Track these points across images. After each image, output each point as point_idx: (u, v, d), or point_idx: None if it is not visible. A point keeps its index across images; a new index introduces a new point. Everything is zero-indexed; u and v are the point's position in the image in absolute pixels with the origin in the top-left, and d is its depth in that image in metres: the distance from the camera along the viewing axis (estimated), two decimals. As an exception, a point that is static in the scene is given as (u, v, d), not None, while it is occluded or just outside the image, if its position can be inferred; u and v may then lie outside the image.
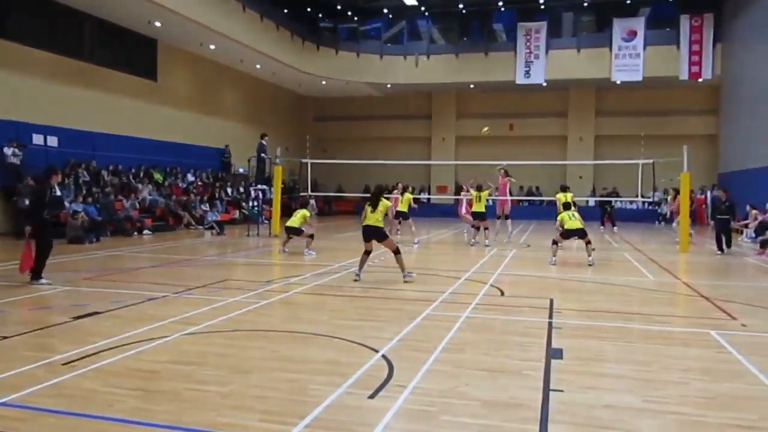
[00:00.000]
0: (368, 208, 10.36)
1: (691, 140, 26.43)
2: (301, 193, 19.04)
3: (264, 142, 19.72)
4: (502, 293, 9.12)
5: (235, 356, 5.63)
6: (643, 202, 29.23)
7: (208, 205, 23.42)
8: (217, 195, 25.20)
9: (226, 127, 28.87)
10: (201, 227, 21.14)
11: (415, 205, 18.46)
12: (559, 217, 13.39)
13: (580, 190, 28.83)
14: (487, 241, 16.97)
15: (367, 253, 10.49)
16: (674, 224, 18.74)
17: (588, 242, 12.98)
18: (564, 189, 17.20)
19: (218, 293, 8.69)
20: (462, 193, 19.03)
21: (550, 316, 7.46)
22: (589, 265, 12.45)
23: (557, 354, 5.81)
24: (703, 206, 28.09)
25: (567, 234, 13.03)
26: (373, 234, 10.30)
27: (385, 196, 10.61)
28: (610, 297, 9.13)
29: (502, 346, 6.11)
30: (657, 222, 29.05)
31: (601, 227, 24.01)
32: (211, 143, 27.68)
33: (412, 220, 18.14)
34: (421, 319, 7.15)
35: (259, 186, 20.61)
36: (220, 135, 28.30)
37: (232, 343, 6.10)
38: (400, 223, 18.67)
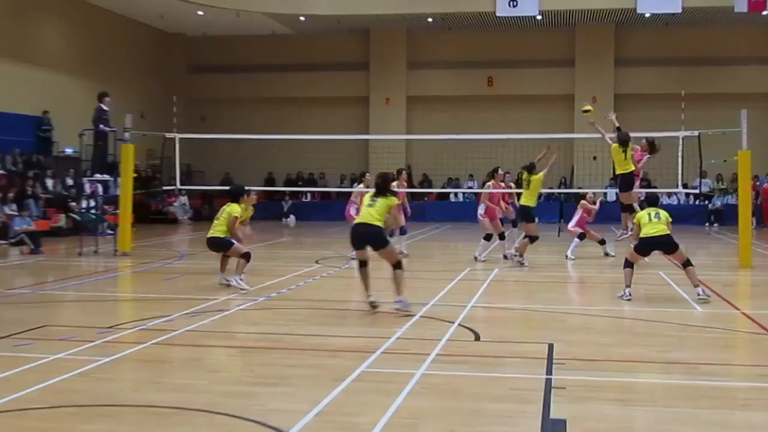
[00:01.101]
0: (366, 200, 10.84)
1: (753, 101, 27.26)
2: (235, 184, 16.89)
3: (104, 106, 19.32)
4: (477, 337, 9.20)
5: (57, 447, 5.49)
6: (687, 195, 30.10)
7: (15, 206, 22.80)
8: (29, 190, 24.56)
9: (44, 83, 28.20)
10: (3, 242, 20.72)
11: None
12: (636, 217, 12.83)
13: (595, 177, 29.45)
14: (511, 251, 17.22)
15: (363, 264, 10.75)
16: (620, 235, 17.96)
17: (686, 263, 12.06)
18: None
19: (31, 348, 8.47)
20: (491, 184, 18.29)
21: (549, 371, 7.56)
22: (702, 299, 11.56)
23: (559, 427, 5.88)
24: (774, 199, 29.10)
25: (645, 246, 12.36)
26: (368, 237, 10.71)
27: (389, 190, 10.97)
28: (638, 338, 9.32)
29: (476, 417, 6.15)
30: (707, 224, 29.96)
31: (625, 232, 24.50)
32: (19, 108, 26.99)
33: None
34: (353, 381, 7.14)
35: (99, 176, 20.20)
36: (35, 95, 27.64)
37: (51, 426, 5.94)
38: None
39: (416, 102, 35.20)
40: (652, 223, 12.29)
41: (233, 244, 13.11)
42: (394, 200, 11.01)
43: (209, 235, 13.43)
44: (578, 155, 32.12)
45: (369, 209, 10.74)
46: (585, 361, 8.06)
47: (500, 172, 18.43)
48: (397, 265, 10.71)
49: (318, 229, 27.87)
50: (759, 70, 32.56)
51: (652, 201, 13.10)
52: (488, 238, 17.53)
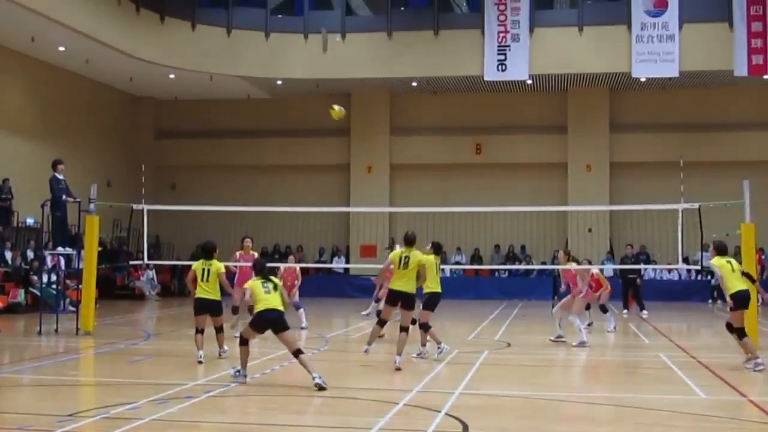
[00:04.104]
0: (263, 284, 11.64)
1: (756, 169, 27.56)
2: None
3: (58, 174, 19.18)
4: (466, 428, 9.08)
5: None
6: (688, 270, 30.20)
7: (-30, 281, 22.66)
8: (-14, 264, 24.44)
9: (4, 149, 28.18)
10: (-43, 320, 20.46)
11: None
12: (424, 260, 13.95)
13: (591, 251, 29.56)
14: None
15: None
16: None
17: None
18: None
19: (-19, 440, 8.33)
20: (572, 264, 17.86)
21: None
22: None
23: None
24: (780, 275, 29.20)
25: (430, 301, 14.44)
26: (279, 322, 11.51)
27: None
28: (640, 428, 9.26)
29: None
30: (710, 301, 29.99)
31: (625, 311, 24.60)
32: (-24, 175, 26.95)
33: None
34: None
35: (61, 249, 20.11)
36: (-5, 161, 27.61)
37: None
38: None
39: (400, 170, 35.29)
40: (437, 279, 14.34)
41: (222, 311, 13.92)
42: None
43: (201, 296, 13.66)
44: (572, 227, 32.28)
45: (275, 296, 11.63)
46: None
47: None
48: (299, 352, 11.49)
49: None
50: (762, 136, 32.67)
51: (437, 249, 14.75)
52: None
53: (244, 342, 11.72)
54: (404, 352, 13.24)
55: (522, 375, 13.14)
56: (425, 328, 14.19)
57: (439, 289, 14.42)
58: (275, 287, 11.62)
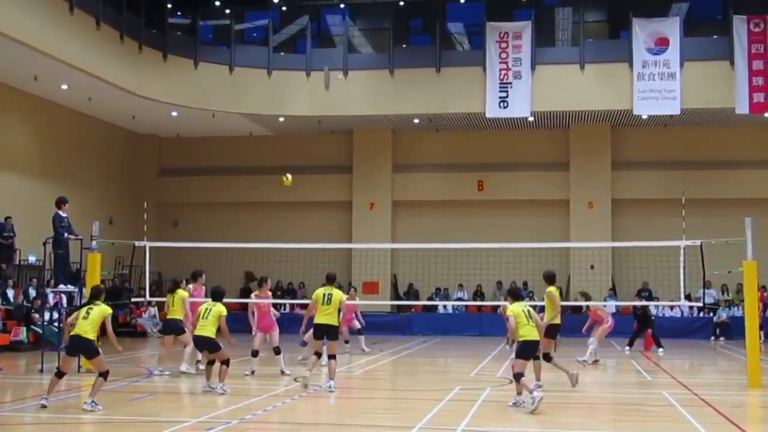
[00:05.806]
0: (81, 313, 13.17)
1: (758, 207, 27.62)
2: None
3: (62, 212, 19.26)
4: (468, 465, 9.12)
5: None
6: (690, 308, 30.25)
7: (-29, 319, 22.68)
8: (-13, 302, 24.46)
9: (6, 187, 28.29)
10: (-42, 358, 20.43)
11: None
12: (509, 312, 13.44)
13: (593, 287, 29.53)
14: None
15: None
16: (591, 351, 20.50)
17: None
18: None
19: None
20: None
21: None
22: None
23: None
24: (782, 312, 29.25)
25: (525, 350, 13.26)
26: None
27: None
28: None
29: None
30: (713, 338, 29.99)
31: (627, 348, 24.60)
32: (-21, 213, 27.03)
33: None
34: None
35: (62, 287, 20.14)
36: (-3, 199, 27.72)
37: None
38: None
39: (402, 206, 35.39)
40: (530, 325, 13.20)
41: (221, 347, 14.40)
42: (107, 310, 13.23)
43: (197, 333, 14.63)
44: (574, 263, 32.35)
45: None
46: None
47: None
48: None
49: (297, 342, 27.67)
50: (764, 174, 32.64)
51: (515, 296, 13.71)
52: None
53: (59, 374, 13.21)
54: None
55: (524, 412, 13.15)
56: (517, 378, 13.22)
57: (532, 337, 13.30)
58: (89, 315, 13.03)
